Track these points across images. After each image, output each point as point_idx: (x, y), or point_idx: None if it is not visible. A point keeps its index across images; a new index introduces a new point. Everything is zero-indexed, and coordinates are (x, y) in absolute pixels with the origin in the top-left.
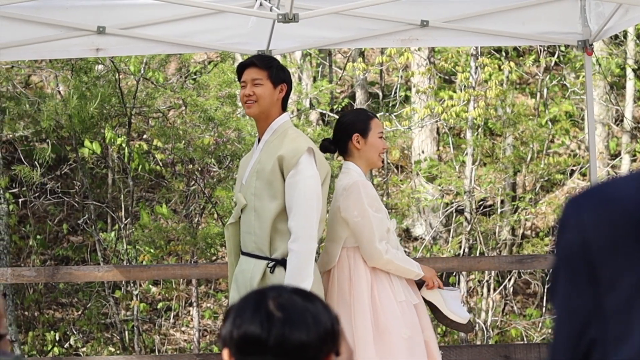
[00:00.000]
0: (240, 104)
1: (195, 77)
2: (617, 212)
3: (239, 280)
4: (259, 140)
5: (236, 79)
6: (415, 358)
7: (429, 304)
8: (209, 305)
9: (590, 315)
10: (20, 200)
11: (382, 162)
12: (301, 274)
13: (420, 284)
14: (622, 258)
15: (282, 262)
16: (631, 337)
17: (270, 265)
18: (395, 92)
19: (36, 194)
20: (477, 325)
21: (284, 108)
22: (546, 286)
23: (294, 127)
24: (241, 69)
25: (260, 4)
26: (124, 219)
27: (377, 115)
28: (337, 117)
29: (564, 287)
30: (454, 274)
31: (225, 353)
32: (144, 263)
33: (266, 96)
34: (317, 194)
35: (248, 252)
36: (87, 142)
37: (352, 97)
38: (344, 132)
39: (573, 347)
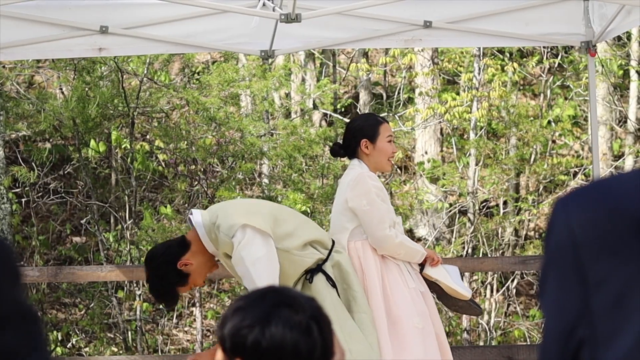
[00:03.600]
0: (243, 104)
1: (198, 77)
2: (606, 212)
3: None
4: None
5: (236, 79)
6: (428, 348)
7: (432, 286)
8: (212, 305)
9: (579, 315)
10: (23, 200)
11: (392, 166)
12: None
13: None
14: (610, 258)
15: (317, 269)
16: (620, 337)
17: (308, 277)
18: (398, 93)
19: (39, 194)
20: (480, 326)
21: None
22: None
23: None
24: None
25: (263, 4)
26: (127, 219)
27: (381, 116)
28: (339, 117)
29: (553, 288)
30: None
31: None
32: None
33: None
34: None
35: None
36: (92, 143)
37: (356, 97)
38: (353, 137)
39: (562, 347)
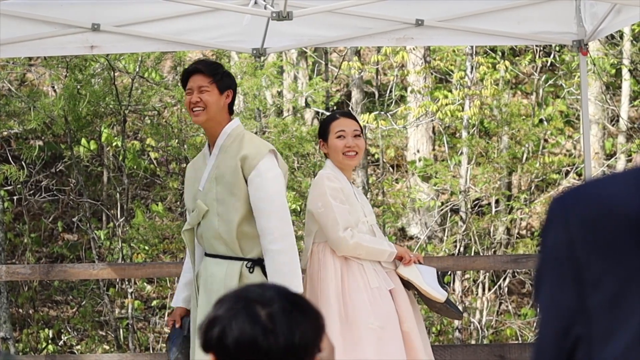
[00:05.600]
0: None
1: None
2: (602, 211)
3: (211, 284)
4: (210, 146)
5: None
6: (386, 349)
7: (407, 284)
8: None
9: (575, 313)
10: (15, 197)
11: (352, 160)
12: (291, 271)
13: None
14: (607, 257)
15: (258, 262)
16: (616, 336)
17: (249, 265)
18: (390, 91)
19: (31, 192)
20: (471, 324)
21: (230, 113)
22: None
23: (249, 132)
24: (186, 76)
25: (255, 2)
26: (119, 217)
27: (342, 111)
28: None
29: (549, 286)
30: (449, 273)
31: (211, 357)
32: (139, 261)
33: (213, 103)
34: (283, 192)
35: (219, 254)
36: (83, 141)
37: (348, 96)
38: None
39: (558, 345)
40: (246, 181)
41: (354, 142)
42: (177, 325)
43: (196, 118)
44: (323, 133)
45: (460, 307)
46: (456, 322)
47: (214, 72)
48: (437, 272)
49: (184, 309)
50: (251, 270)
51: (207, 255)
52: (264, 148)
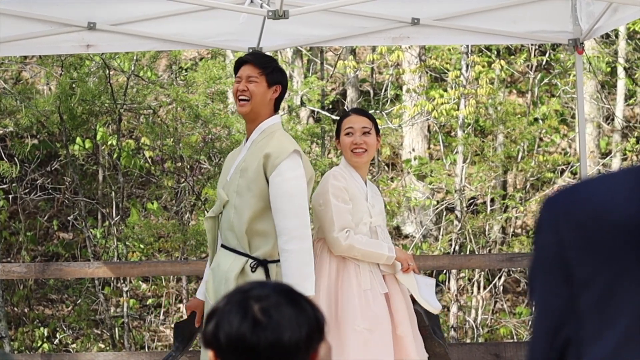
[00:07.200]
0: (230, 101)
1: (186, 74)
2: (590, 213)
3: (215, 273)
4: (247, 139)
5: (224, 76)
6: (373, 352)
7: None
8: None
9: (565, 314)
10: (10, 196)
11: (359, 156)
12: (302, 274)
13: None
14: (595, 258)
15: (263, 262)
16: (604, 336)
17: (253, 264)
18: (386, 90)
19: (26, 190)
20: (467, 323)
21: (275, 109)
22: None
23: (283, 130)
24: (239, 65)
25: (251, 1)
26: (114, 216)
27: (353, 109)
28: (327, 114)
29: (541, 287)
30: (444, 272)
31: (211, 354)
32: (134, 260)
33: (259, 94)
34: (304, 193)
35: (230, 247)
36: (78, 140)
37: (344, 94)
38: None
39: (549, 345)
40: (267, 180)
41: (361, 139)
42: (187, 313)
43: (241, 109)
44: (337, 132)
45: (455, 308)
46: (452, 321)
47: (265, 64)
48: (436, 285)
49: (200, 301)
50: (253, 269)
51: (222, 246)
52: (289, 147)
